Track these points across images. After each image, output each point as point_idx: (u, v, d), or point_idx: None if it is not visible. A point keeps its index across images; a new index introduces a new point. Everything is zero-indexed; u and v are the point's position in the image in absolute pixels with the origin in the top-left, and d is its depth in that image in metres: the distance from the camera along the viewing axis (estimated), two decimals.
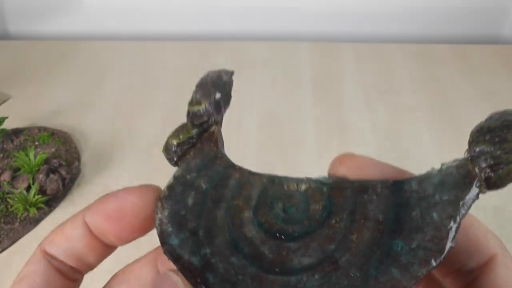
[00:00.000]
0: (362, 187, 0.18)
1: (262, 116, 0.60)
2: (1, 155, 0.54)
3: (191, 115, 0.21)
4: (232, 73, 0.22)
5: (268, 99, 0.63)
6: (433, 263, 0.16)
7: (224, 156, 0.21)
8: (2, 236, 0.46)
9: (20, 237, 0.46)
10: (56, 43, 0.74)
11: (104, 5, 0.78)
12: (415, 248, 0.16)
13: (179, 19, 0.79)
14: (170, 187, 0.19)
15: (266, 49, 0.73)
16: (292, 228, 0.18)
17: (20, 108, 0.61)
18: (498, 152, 0.16)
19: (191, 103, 0.21)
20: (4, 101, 0.62)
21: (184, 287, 0.17)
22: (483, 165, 0.16)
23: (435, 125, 0.59)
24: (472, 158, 0.17)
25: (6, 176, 0.50)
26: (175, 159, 0.21)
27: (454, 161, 0.18)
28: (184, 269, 0.17)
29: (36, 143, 0.56)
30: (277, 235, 0.18)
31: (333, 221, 0.17)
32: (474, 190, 0.17)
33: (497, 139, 0.16)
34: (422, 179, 0.17)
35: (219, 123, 0.22)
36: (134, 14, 0.78)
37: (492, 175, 0.16)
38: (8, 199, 0.48)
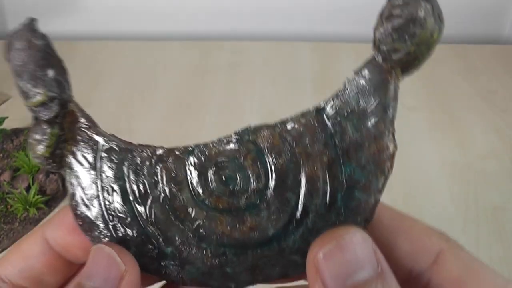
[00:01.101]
0: (282, 124, 0.18)
1: (262, 116, 0.60)
2: (1, 155, 0.54)
3: (37, 112, 0.17)
4: (35, 22, 0.18)
5: (268, 99, 0.63)
6: (387, 170, 0.16)
7: (108, 137, 0.18)
8: (2, 236, 0.46)
9: (20, 237, 0.46)
10: (56, 43, 0.74)
11: (104, 5, 0.77)
12: (365, 165, 0.16)
13: (179, 19, 0.79)
14: (72, 197, 0.18)
15: (266, 49, 0.73)
16: (241, 198, 0.18)
17: (20, 108, 0.61)
18: (413, 48, 0.16)
19: (27, 98, 0.17)
20: (4, 101, 0.62)
21: (118, 257, 0.17)
22: (397, 60, 0.17)
23: (435, 125, 0.59)
24: (384, 57, 0.17)
25: (6, 176, 0.50)
26: (55, 166, 0.18)
27: (364, 65, 0.17)
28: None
29: None
30: (231, 205, 0.18)
31: (286, 170, 0.17)
32: (394, 85, 0.18)
33: (406, 36, 0.16)
34: (341, 94, 0.17)
35: (70, 98, 0.18)
36: (134, 14, 0.78)
37: (409, 66, 0.17)
38: (8, 199, 0.48)
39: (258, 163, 0.17)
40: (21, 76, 0.17)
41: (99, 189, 0.18)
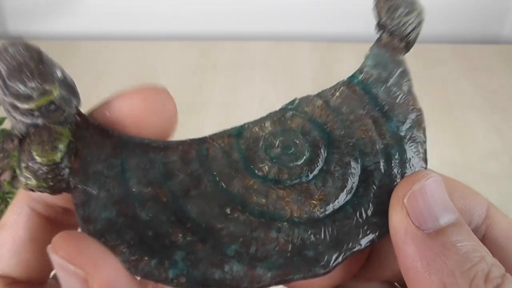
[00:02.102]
0: (321, 96, 0.19)
1: (262, 116, 0.60)
2: (1, 155, 0.54)
3: (47, 113, 0.15)
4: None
5: (268, 99, 0.63)
6: (423, 123, 0.19)
7: (136, 140, 0.17)
8: None
9: None
10: (55, 43, 0.74)
11: (104, 5, 0.77)
12: (404, 120, 0.18)
13: (179, 19, 0.79)
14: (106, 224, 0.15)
15: (266, 49, 0.73)
16: (302, 168, 0.17)
17: None
18: (412, 20, 0.19)
19: (29, 99, 0.15)
20: None
21: (68, 264, 0.14)
22: (405, 34, 0.19)
23: (435, 125, 0.59)
24: (392, 33, 0.19)
25: (6, 176, 0.50)
26: (65, 179, 0.16)
27: (376, 41, 0.20)
28: None
29: None
30: (295, 179, 0.17)
31: (338, 136, 0.18)
32: (403, 57, 0.20)
33: (407, 10, 0.19)
34: (362, 68, 0.19)
35: (79, 107, 0.17)
36: (134, 14, 0.78)
37: (410, 40, 0.19)
38: (8, 199, 0.48)
39: (311, 132, 0.18)
40: (22, 72, 0.15)
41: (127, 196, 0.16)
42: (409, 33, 0.19)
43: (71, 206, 0.18)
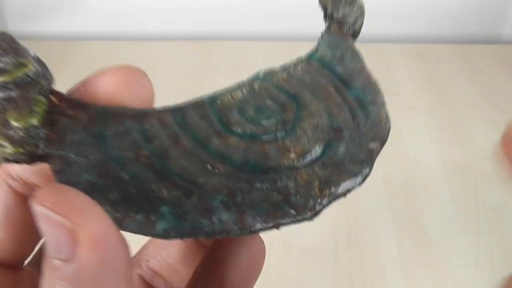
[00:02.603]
0: (284, 69, 0.20)
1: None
2: None
3: (22, 83, 0.15)
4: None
5: None
6: (380, 91, 0.20)
7: (113, 109, 0.17)
8: None
9: None
10: (55, 43, 0.74)
11: (104, 5, 0.77)
12: (364, 87, 0.20)
13: (179, 19, 0.79)
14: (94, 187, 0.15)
15: (266, 49, 0.73)
16: (276, 127, 0.18)
17: None
18: (355, 10, 0.21)
19: (3, 72, 0.15)
20: None
21: (52, 213, 0.13)
22: (351, 22, 0.21)
23: (435, 125, 0.59)
24: (339, 21, 0.21)
25: None
26: (42, 145, 0.16)
27: (326, 29, 0.22)
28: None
29: None
30: (270, 134, 0.18)
31: (305, 100, 0.19)
32: (350, 40, 0.22)
33: (349, 2, 0.21)
34: (317, 48, 0.21)
35: (52, 86, 0.17)
36: (134, 14, 0.78)
37: (356, 28, 0.21)
38: None
39: (280, 97, 0.19)
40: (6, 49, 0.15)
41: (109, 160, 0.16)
42: (354, 21, 0.21)
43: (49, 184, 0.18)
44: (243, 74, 0.76)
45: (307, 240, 0.45)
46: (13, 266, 0.19)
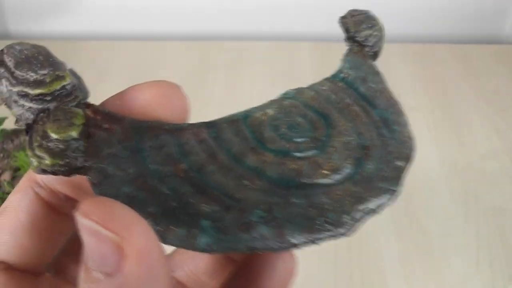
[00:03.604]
0: (311, 88, 0.21)
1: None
2: (1, 155, 0.54)
3: (59, 96, 0.16)
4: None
5: (268, 99, 0.63)
6: (402, 109, 0.20)
7: (148, 123, 0.17)
8: None
9: None
10: (56, 43, 0.74)
11: (104, 5, 0.77)
12: (387, 107, 0.20)
13: (179, 19, 0.79)
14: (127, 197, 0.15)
15: (266, 49, 0.73)
16: (312, 139, 0.19)
17: None
18: (376, 33, 0.22)
19: (41, 84, 0.16)
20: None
21: (101, 228, 0.13)
22: (371, 44, 0.22)
23: (435, 125, 0.59)
24: (361, 43, 0.22)
25: (6, 176, 0.50)
26: (81, 157, 0.16)
27: (348, 51, 0.22)
28: None
29: None
30: (303, 151, 0.18)
31: (334, 119, 0.19)
32: (371, 61, 0.22)
33: (369, 25, 0.22)
34: (341, 69, 0.21)
35: (87, 95, 0.18)
36: (134, 14, 0.78)
37: (376, 50, 0.22)
38: None
39: (309, 115, 0.19)
40: (32, 63, 0.16)
41: (145, 175, 0.16)
42: (374, 43, 0.22)
43: (76, 195, 0.18)
44: (243, 74, 0.76)
45: None
46: (34, 272, 0.19)
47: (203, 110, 0.61)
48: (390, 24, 0.88)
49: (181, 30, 0.79)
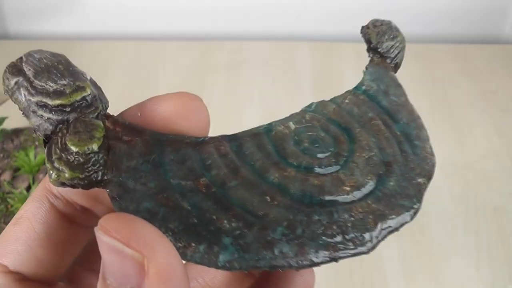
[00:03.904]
0: (333, 102, 0.21)
1: (262, 116, 0.60)
2: (1, 155, 0.54)
3: (80, 107, 0.16)
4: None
5: (268, 99, 0.63)
6: (424, 125, 0.20)
7: (169, 136, 0.17)
8: None
9: None
10: (56, 43, 0.74)
11: (104, 5, 0.77)
12: (409, 122, 0.20)
13: (179, 19, 0.79)
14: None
15: (266, 49, 0.73)
16: (329, 159, 0.18)
17: None
18: (398, 44, 0.22)
19: (61, 95, 0.15)
20: (4, 101, 0.62)
21: (124, 246, 0.13)
22: (393, 56, 0.22)
23: (435, 125, 0.59)
24: (383, 55, 0.22)
25: (6, 176, 0.50)
26: (101, 171, 0.15)
27: (370, 62, 0.22)
28: None
29: (36, 143, 0.56)
30: (325, 167, 0.18)
31: (356, 133, 0.19)
32: (392, 73, 0.22)
33: (391, 36, 0.22)
34: (362, 82, 0.21)
35: (107, 106, 0.17)
36: (134, 14, 0.78)
37: (398, 61, 0.22)
38: (8, 199, 0.48)
39: (332, 129, 0.19)
40: (51, 73, 0.15)
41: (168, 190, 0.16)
42: (396, 55, 0.22)
43: (92, 206, 0.17)
44: (243, 74, 0.76)
45: None
46: (49, 282, 0.18)
47: None
48: None
49: (181, 30, 0.79)
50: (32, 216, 0.17)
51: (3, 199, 0.48)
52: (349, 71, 0.67)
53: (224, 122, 0.57)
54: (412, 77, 0.67)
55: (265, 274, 0.20)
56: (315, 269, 0.17)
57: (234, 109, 0.61)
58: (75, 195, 0.18)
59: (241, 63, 0.70)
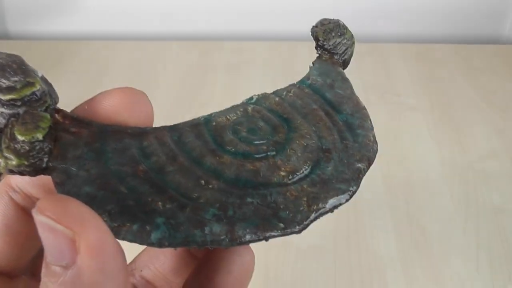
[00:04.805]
0: (276, 94, 0.22)
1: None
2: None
3: (29, 101, 0.17)
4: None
5: None
6: (368, 116, 0.21)
7: (113, 127, 0.19)
8: None
9: None
10: (56, 43, 0.74)
11: (104, 5, 0.78)
12: (353, 113, 0.21)
13: (179, 19, 0.79)
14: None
15: (266, 49, 0.73)
16: (271, 142, 0.19)
17: None
18: (345, 41, 0.23)
19: (12, 90, 0.17)
20: None
21: (55, 223, 0.14)
22: (340, 52, 0.23)
23: (435, 125, 0.59)
24: (330, 51, 0.23)
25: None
26: (46, 158, 0.17)
27: (317, 58, 0.23)
28: None
29: None
30: (262, 154, 0.19)
31: (297, 123, 0.20)
32: (340, 68, 0.23)
33: (339, 33, 0.23)
34: (308, 76, 0.22)
35: (56, 100, 0.18)
36: (134, 14, 0.78)
37: (346, 57, 0.23)
38: None
39: (272, 119, 0.20)
40: (5, 71, 0.17)
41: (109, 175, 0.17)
42: (344, 51, 0.23)
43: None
44: (243, 74, 0.76)
45: (307, 240, 0.45)
46: (10, 274, 0.19)
47: (203, 110, 0.61)
48: (390, 24, 0.89)
49: (181, 30, 0.79)
50: None
51: None
52: (349, 71, 0.67)
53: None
54: (412, 77, 0.67)
55: (206, 255, 0.22)
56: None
57: None
58: (32, 188, 0.19)
59: (241, 63, 0.70)
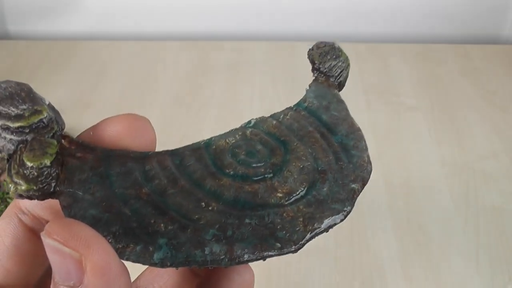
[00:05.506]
0: (274, 117, 0.22)
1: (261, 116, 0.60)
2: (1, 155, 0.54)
3: (37, 128, 0.18)
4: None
5: (268, 99, 0.63)
6: (363, 137, 0.21)
7: (117, 152, 0.19)
8: None
9: None
10: (56, 43, 0.74)
11: (104, 5, 0.78)
12: (348, 134, 0.21)
13: (179, 19, 0.79)
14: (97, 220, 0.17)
15: (266, 49, 0.73)
16: (269, 165, 0.20)
17: None
18: (340, 64, 0.24)
19: (21, 118, 0.18)
20: None
21: (62, 246, 0.15)
22: (336, 74, 0.24)
23: (435, 125, 0.59)
24: (326, 74, 0.24)
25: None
26: (53, 183, 0.17)
27: (313, 81, 0.24)
28: None
29: None
30: (259, 176, 0.19)
31: (293, 145, 0.21)
32: (336, 90, 0.24)
33: (334, 56, 0.24)
34: (305, 99, 0.23)
35: (63, 129, 0.19)
36: (134, 14, 0.78)
37: (341, 80, 0.24)
38: (8, 199, 0.48)
39: (269, 142, 0.21)
40: (14, 99, 0.17)
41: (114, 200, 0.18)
42: (339, 74, 0.24)
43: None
44: (243, 74, 0.76)
45: None
46: None
47: (203, 110, 0.61)
48: (390, 24, 0.89)
49: (181, 30, 0.79)
50: (2, 231, 0.19)
51: (3, 199, 0.48)
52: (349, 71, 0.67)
53: (223, 122, 0.57)
54: (412, 77, 0.67)
55: (208, 274, 0.22)
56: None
57: (234, 109, 0.61)
58: (41, 211, 0.20)
59: (241, 63, 0.70)
